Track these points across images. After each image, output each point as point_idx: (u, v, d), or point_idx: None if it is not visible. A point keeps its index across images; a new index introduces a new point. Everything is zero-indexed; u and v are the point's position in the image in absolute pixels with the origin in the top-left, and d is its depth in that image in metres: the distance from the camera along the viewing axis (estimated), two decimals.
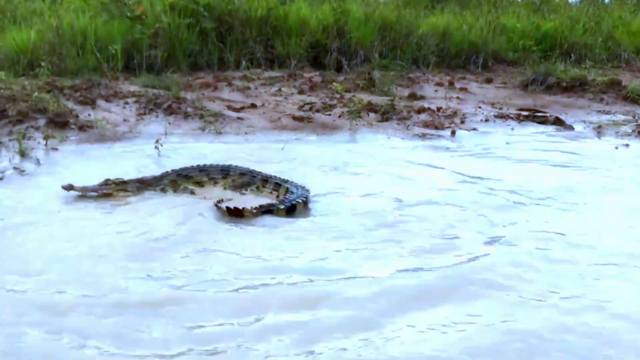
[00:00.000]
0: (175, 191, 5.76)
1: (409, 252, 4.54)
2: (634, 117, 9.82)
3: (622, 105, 10.65)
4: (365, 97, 9.77)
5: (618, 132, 8.81)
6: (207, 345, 3.33)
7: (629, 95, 11.04)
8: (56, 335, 3.37)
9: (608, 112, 10.19)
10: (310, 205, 5.47)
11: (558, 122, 9.28)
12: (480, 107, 9.97)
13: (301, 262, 4.33)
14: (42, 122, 7.70)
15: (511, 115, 9.51)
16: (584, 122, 9.45)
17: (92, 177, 6.04)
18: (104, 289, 3.87)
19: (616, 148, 7.94)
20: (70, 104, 8.43)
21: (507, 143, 8.12)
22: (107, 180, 5.72)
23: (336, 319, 3.60)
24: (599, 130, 8.90)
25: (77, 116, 8.01)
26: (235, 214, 5.08)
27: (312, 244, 4.64)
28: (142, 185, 5.80)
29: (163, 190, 5.77)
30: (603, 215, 5.45)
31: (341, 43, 11.99)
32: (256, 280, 4.01)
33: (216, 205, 5.17)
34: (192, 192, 5.78)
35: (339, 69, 11.91)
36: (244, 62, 11.46)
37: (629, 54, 14.35)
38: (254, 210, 5.16)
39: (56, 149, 7.03)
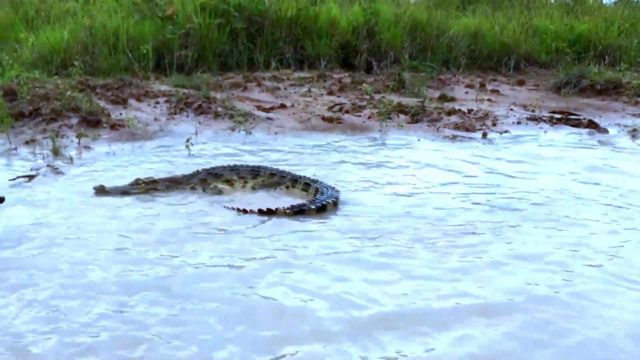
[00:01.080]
0: (204, 190, 5.78)
1: (439, 252, 4.48)
2: None
3: None
4: (395, 98, 9.71)
5: None
6: None
7: None
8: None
9: None
10: (340, 205, 5.44)
11: (592, 125, 9.11)
12: (512, 110, 9.83)
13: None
14: (74, 120, 7.80)
15: (544, 118, 9.36)
16: (619, 125, 9.26)
17: (123, 175, 6.13)
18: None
19: None
20: (102, 103, 8.53)
21: (540, 146, 8.00)
22: (138, 179, 5.77)
23: None
24: (634, 133, 8.72)
25: (109, 115, 8.09)
26: (269, 214, 5.09)
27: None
28: (173, 184, 5.84)
29: (193, 189, 5.80)
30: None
31: (371, 44, 11.93)
32: None
33: (244, 210, 5.14)
34: (220, 192, 5.78)
35: (368, 70, 11.86)
36: (273, 63, 11.47)
37: None
38: (287, 211, 5.16)
39: (89, 147, 7.12)
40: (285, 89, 10.23)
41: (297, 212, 5.19)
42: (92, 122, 7.76)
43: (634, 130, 8.89)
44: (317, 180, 5.89)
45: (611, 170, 6.89)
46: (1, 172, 6.14)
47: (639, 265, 4.36)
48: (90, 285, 3.85)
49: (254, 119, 8.44)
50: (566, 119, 9.38)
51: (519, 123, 9.11)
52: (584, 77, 11.17)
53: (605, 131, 8.90)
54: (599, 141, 8.35)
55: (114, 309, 3.59)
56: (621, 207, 5.59)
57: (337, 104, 9.42)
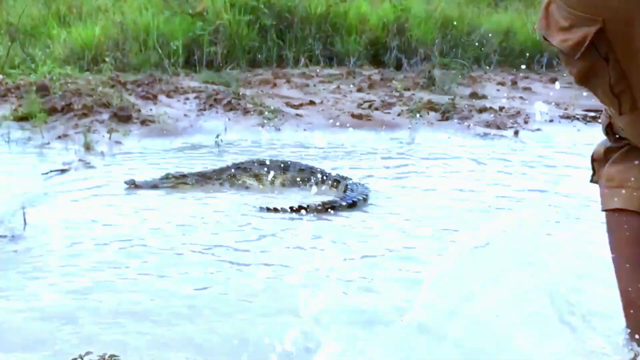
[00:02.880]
0: (231, 185, 5.79)
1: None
2: None
3: None
4: (425, 95, 9.63)
5: None
6: None
7: None
8: None
9: None
10: (370, 201, 5.40)
11: None
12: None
13: None
14: (105, 116, 7.85)
15: (577, 116, 9.19)
16: None
17: (154, 170, 6.16)
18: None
19: None
20: (132, 99, 8.58)
21: (573, 144, 7.84)
22: (168, 174, 5.79)
23: None
24: None
25: (139, 111, 8.14)
26: (300, 211, 5.08)
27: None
28: (202, 178, 5.85)
29: (222, 184, 5.80)
30: None
31: (401, 41, 11.85)
32: None
33: (274, 209, 5.12)
34: (247, 187, 5.78)
35: (398, 67, 11.78)
36: (302, 59, 11.46)
37: None
38: (319, 207, 5.13)
39: (119, 143, 7.17)
40: (315, 85, 10.21)
41: (329, 208, 5.15)
42: (123, 117, 7.80)
43: None
44: (347, 177, 5.85)
45: None
46: (35, 166, 6.21)
47: None
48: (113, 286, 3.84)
49: (283, 115, 8.42)
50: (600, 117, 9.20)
51: (551, 121, 8.96)
52: None
53: None
54: None
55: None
56: None
57: (366, 101, 9.36)
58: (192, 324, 3.34)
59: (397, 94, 9.79)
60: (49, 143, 7.09)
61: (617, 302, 2.44)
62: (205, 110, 8.51)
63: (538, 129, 8.54)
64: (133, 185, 5.58)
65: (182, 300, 3.60)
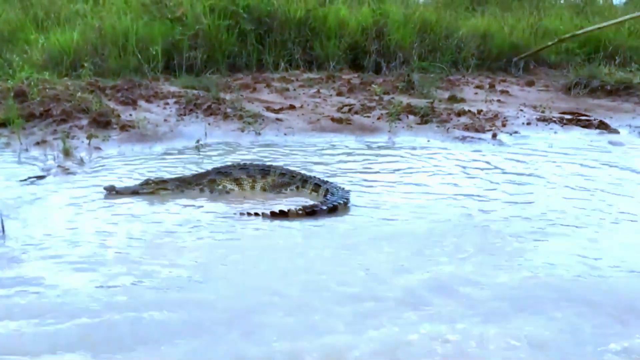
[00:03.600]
0: (212, 191, 5.77)
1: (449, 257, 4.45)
2: None
3: None
4: (404, 99, 9.70)
5: None
6: None
7: None
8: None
9: None
10: (350, 205, 5.42)
11: (602, 126, 9.06)
12: (522, 110, 9.80)
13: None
14: (85, 121, 7.82)
15: (554, 119, 9.31)
16: (630, 126, 9.22)
17: (133, 176, 6.14)
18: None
19: None
20: (112, 104, 8.55)
21: (550, 146, 7.96)
22: (148, 180, 5.77)
23: None
24: None
25: (118, 116, 8.11)
26: (281, 216, 5.07)
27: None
28: (182, 184, 5.82)
29: (202, 190, 5.79)
30: None
31: (380, 45, 11.92)
32: None
33: (255, 214, 5.11)
34: (227, 192, 5.78)
35: (377, 71, 11.84)
36: (282, 64, 11.47)
37: None
38: (299, 212, 5.14)
39: (99, 148, 7.14)
40: (295, 89, 10.23)
41: (309, 213, 5.16)
42: (102, 123, 7.77)
43: None
44: (327, 181, 5.87)
45: (622, 170, 6.85)
46: (13, 173, 6.15)
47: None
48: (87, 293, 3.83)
49: (263, 119, 8.44)
50: (576, 119, 9.34)
51: (528, 124, 9.07)
52: (594, 77, 11.13)
53: (616, 132, 8.86)
54: (610, 142, 8.30)
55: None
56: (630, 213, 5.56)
57: (346, 105, 9.41)
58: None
59: (377, 97, 9.85)
60: (27, 149, 7.04)
61: None
62: (185, 115, 8.50)
63: (516, 132, 8.64)
64: (113, 191, 5.55)
65: (160, 306, 3.60)
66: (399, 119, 8.73)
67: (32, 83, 8.77)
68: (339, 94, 10.16)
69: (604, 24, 6.34)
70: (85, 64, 9.77)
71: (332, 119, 8.70)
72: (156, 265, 4.14)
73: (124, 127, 7.80)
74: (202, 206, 5.41)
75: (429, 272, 4.15)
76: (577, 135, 8.70)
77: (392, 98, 9.81)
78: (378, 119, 8.81)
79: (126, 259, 4.23)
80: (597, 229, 5.01)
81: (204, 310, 3.57)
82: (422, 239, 4.72)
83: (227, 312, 3.55)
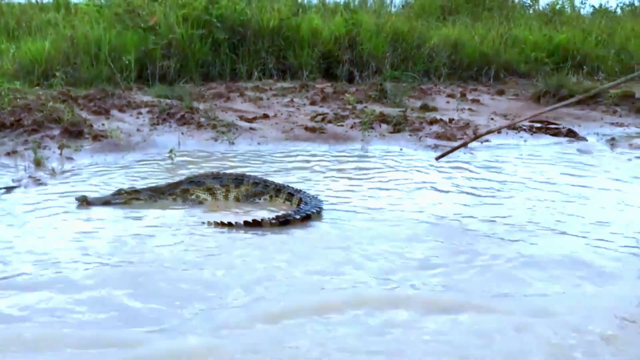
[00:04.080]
0: (184, 201, 5.75)
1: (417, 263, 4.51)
2: None
3: (636, 118, 10.60)
4: (377, 108, 9.79)
5: (632, 145, 8.75)
6: None
7: None
8: None
9: (621, 125, 10.15)
10: (323, 214, 5.46)
11: (571, 134, 9.25)
12: (492, 119, 9.95)
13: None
14: (56, 131, 7.75)
15: (524, 127, 9.47)
16: (597, 134, 9.42)
17: (106, 186, 6.11)
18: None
19: (629, 160, 7.88)
20: (84, 114, 8.50)
21: (520, 155, 8.10)
22: (120, 190, 5.73)
23: None
24: (612, 142, 8.86)
25: (91, 126, 8.06)
26: (254, 226, 5.08)
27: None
28: (155, 194, 5.79)
29: (175, 198, 5.77)
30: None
31: (353, 54, 12.04)
32: None
33: (229, 224, 5.11)
34: (201, 202, 5.77)
35: (350, 80, 11.95)
36: (256, 73, 11.52)
37: None
38: (273, 221, 5.15)
39: (71, 159, 7.09)
40: (268, 99, 10.27)
41: (283, 222, 5.18)
42: (74, 133, 7.71)
43: (613, 139, 9.04)
44: (301, 190, 5.90)
45: (589, 178, 7.00)
46: None
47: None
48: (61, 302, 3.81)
49: (237, 129, 8.46)
50: (546, 128, 9.51)
51: (499, 132, 9.21)
52: (562, 86, 11.34)
53: (584, 140, 9.04)
54: (578, 150, 8.47)
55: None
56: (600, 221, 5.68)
57: (319, 114, 9.47)
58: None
59: (350, 106, 9.93)
60: None
61: None
62: (158, 124, 8.48)
63: (487, 140, 8.76)
64: (85, 201, 5.51)
65: (131, 322, 3.60)
66: (372, 128, 8.81)
67: (3, 93, 8.69)
68: (313, 103, 10.22)
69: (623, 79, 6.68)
70: (57, 74, 9.71)
71: (306, 128, 8.75)
72: (122, 284, 4.10)
73: (96, 137, 7.75)
74: (174, 216, 5.38)
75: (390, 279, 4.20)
76: (546, 143, 8.86)
77: (365, 107, 9.90)
78: (351, 127, 8.88)
79: (94, 276, 4.17)
80: (563, 234, 5.12)
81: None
82: (395, 246, 4.78)
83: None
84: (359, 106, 9.98)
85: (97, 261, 4.37)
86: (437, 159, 6.76)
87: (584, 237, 5.08)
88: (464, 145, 6.88)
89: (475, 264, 4.50)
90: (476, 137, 7.13)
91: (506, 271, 4.40)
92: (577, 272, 4.40)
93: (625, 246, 4.89)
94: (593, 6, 18.42)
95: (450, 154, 6.79)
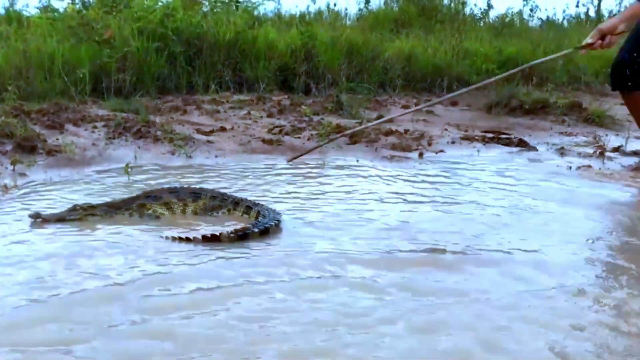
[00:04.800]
0: (141, 216, 5.70)
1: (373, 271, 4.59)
2: (594, 138, 10.12)
3: (584, 127, 10.98)
4: (333, 120, 9.91)
5: (580, 153, 9.06)
6: None
7: (589, 117, 11.42)
8: None
9: (570, 134, 10.49)
10: (282, 227, 5.50)
11: (522, 143, 9.52)
12: (446, 130, 10.17)
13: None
14: (9, 147, 7.63)
15: (477, 138, 9.72)
16: (547, 143, 9.71)
17: (60, 202, 6.04)
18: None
19: (578, 168, 8.14)
20: (37, 129, 8.38)
21: (473, 164, 8.30)
22: (75, 206, 5.64)
23: None
24: (562, 151, 9.15)
25: (45, 140, 7.95)
26: (213, 240, 5.07)
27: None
28: (111, 209, 5.73)
29: (131, 214, 5.72)
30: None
31: (309, 66, 12.15)
32: None
33: (187, 239, 5.09)
34: (157, 217, 5.74)
35: (307, 92, 12.06)
36: (212, 86, 11.53)
37: (589, 77, 14.83)
38: (231, 235, 5.16)
39: (24, 174, 6.99)
40: (225, 111, 10.29)
41: (241, 236, 5.19)
42: (27, 148, 7.61)
43: (562, 148, 9.33)
44: (259, 203, 5.92)
45: (539, 185, 7.23)
46: None
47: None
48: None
49: (194, 142, 8.46)
50: (498, 138, 9.77)
51: (453, 143, 9.44)
52: (513, 97, 11.67)
53: (534, 149, 9.32)
54: (529, 159, 8.73)
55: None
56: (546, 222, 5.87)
57: (276, 126, 9.53)
58: None
59: (307, 118, 10.03)
60: None
61: None
62: (114, 138, 8.42)
63: (441, 150, 8.97)
64: (38, 218, 5.43)
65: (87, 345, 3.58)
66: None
67: None
68: (270, 115, 10.28)
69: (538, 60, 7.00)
70: (9, 88, 9.52)
71: (263, 141, 8.81)
72: (85, 290, 4.09)
73: (50, 152, 7.66)
74: (130, 233, 5.33)
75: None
76: (498, 152, 9.11)
77: (322, 119, 10.00)
78: (308, 139, 8.98)
79: (50, 292, 4.14)
80: (515, 239, 5.27)
81: None
82: (351, 253, 4.86)
83: None
84: (316, 118, 10.08)
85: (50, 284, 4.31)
86: (289, 161, 6.98)
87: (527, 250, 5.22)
88: (318, 147, 7.13)
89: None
90: (330, 140, 7.25)
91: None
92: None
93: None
94: (541, 19, 19.03)
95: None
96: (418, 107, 8.41)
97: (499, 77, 8.16)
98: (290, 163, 6.96)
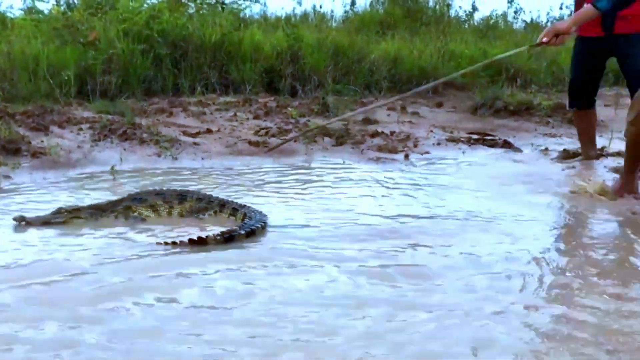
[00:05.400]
0: (126, 218, 5.67)
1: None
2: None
3: (568, 129, 11.06)
4: (319, 121, 9.93)
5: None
6: None
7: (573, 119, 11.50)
8: None
9: (554, 135, 10.58)
10: (269, 228, 5.51)
11: (507, 145, 9.60)
12: (432, 131, 10.23)
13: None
14: None
15: (462, 139, 9.78)
16: (532, 144, 9.79)
17: (45, 205, 6.00)
18: None
19: (562, 170, 8.22)
20: (22, 131, 8.32)
21: (459, 166, 8.35)
22: (60, 208, 5.61)
23: None
24: (546, 152, 9.22)
25: (29, 143, 7.91)
26: (199, 244, 5.07)
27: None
28: (97, 211, 5.70)
29: (117, 216, 5.70)
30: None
31: (295, 68, 12.15)
32: None
33: (173, 243, 5.07)
34: (143, 219, 5.72)
35: (293, 94, 12.06)
36: (198, 88, 11.50)
37: None
38: (218, 238, 5.15)
39: (8, 177, 6.94)
40: (211, 113, 10.27)
41: (228, 239, 5.18)
42: (12, 150, 7.55)
43: (546, 149, 9.42)
44: (245, 205, 5.92)
45: (524, 186, 7.29)
46: None
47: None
48: None
49: (180, 144, 8.44)
50: (483, 139, 9.84)
51: (438, 144, 9.49)
52: (498, 99, 11.75)
53: (519, 150, 9.40)
54: (514, 160, 8.80)
55: None
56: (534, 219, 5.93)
57: (263, 128, 9.54)
58: None
59: (293, 120, 10.04)
60: None
61: None
62: (99, 140, 8.38)
63: (427, 152, 9.03)
64: (23, 221, 5.40)
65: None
66: (315, 142, 8.94)
67: None
68: (256, 117, 10.28)
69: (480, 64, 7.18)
70: None
71: (250, 142, 8.81)
72: (71, 295, 4.08)
73: (35, 154, 7.61)
74: (115, 235, 5.29)
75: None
76: (483, 154, 9.18)
77: (308, 121, 10.02)
78: (295, 141, 8.98)
79: (36, 296, 4.13)
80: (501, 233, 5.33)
81: None
82: (337, 254, 4.88)
83: None
84: (302, 120, 10.10)
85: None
86: (267, 151, 7.10)
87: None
88: (294, 139, 7.25)
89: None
90: (303, 133, 7.26)
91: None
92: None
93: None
94: (525, 21, 19.14)
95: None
96: (374, 105, 8.46)
97: (456, 74, 8.23)
98: (277, 163, 7.01)
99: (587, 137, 8.64)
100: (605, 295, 4.23)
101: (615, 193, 6.64)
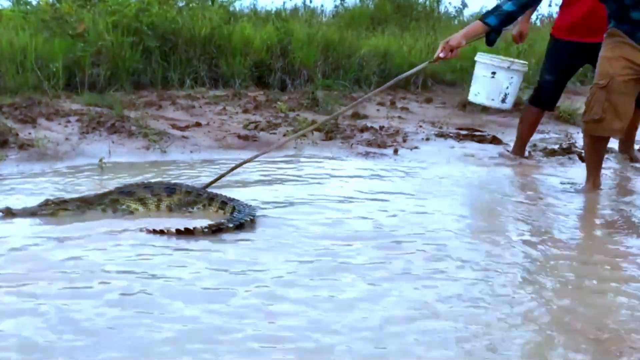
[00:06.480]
0: (114, 211, 5.65)
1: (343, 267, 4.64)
2: (566, 136, 10.28)
3: (555, 125, 11.14)
4: (309, 116, 9.93)
5: (545, 149, 9.22)
6: None
7: (561, 115, 11.58)
8: None
9: (542, 131, 10.63)
10: (257, 222, 5.52)
11: (495, 140, 9.64)
12: (421, 127, 10.26)
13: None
14: None
15: (451, 134, 9.82)
16: None
17: (32, 196, 5.98)
18: None
19: (551, 167, 8.29)
20: (10, 123, 8.27)
21: (448, 161, 8.39)
22: (47, 200, 5.59)
23: None
24: (534, 148, 9.27)
25: (17, 135, 7.86)
26: (187, 234, 5.07)
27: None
28: (84, 204, 5.67)
29: (104, 209, 5.67)
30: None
31: (285, 63, 12.13)
32: None
33: (160, 231, 5.08)
34: (131, 212, 5.69)
35: (283, 89, 12.04)
36: (188, 81, 11.45)
37: None
38: (205, 230, 5.16)
39: None
40: (201, 107, 10.24)
41: (215, 231, 5.20)
42: None
43: (534, 145, 9.46)
44: (234, 199, 5.92)
45: (511, 181, 7.35)
46: None
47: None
48: None
49: (169, 137, 8.42)
50: (471, 135, 9.89)
51: (428, 139, 9.52)
52: None
53: (507, 146, 9.44)
54: (500, 154, 8.86)
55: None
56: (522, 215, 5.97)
57: (252, 122, 9.52)
58: None
59: (282, 114, 10.03)
60: None
61: None
62: (87, 133, 8.34)
63: (416, 147, 9.05)
64: (9, 213, 5.38)
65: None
66: (305, 136, 8.93)
67: None
68: (245, 111, 10.26)
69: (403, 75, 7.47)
70: None
71: (239, 136, 8.80)
72: (60, 285, 4.08)
73: (22, 147, 7.58)
74: (102, 228, 5.27)
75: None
76: (472, 149, 9.20)
77: (298, 115, 10.01)
78: (284, 135, 8.99)
79: (21, 290, 4.12)
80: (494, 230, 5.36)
81: None
82: (326, 248, 4.90)
83: None
84: (292, 114, 10.09)
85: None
86: (267, 151, 7.34)
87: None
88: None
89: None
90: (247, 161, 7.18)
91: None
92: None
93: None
94: None
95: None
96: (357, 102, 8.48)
97: (379, 89, 8.31)
98: (266, 157, 7.05)
99: (528, 136, 8.86)
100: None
101: (590, 192, 6.85)
